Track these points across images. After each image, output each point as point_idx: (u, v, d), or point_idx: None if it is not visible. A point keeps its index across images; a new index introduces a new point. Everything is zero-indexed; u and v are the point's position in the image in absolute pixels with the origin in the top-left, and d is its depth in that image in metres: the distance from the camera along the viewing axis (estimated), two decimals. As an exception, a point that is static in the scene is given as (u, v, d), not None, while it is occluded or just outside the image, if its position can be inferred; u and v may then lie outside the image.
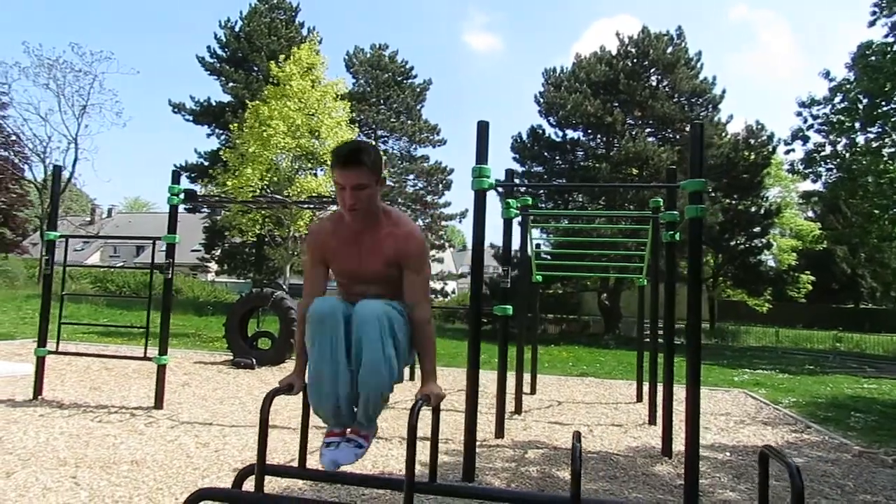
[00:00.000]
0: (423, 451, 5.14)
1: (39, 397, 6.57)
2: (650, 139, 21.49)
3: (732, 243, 23.42)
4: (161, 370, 6.39)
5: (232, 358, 10.38)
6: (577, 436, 1.99)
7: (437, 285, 28.30)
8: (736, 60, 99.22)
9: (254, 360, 10.04)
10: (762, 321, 28.03)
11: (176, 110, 26.00)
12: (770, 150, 22.85)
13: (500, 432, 5.73)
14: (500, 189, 6.54)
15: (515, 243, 7.28)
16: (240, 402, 7.01)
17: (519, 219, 7.22)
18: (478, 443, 5.51)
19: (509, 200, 5.77)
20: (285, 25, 26.67)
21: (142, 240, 7.29)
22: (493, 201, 6.31)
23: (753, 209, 23.08)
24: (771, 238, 26.56)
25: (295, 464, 4.57)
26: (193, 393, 7.47)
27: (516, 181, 5.99)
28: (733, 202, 22.81)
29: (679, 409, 7.60)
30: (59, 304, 7.02)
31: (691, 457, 3.98)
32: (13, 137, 26.45)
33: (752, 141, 22.60)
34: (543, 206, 22.54)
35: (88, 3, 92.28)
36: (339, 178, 2.23)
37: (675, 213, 5.45)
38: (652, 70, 22.21)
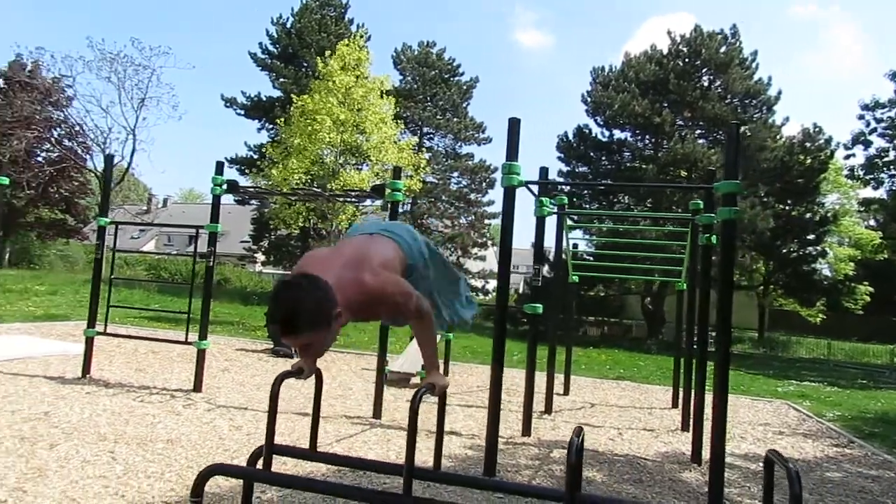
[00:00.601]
0: (448, 444, 5.19)
1: (87, 376, 6.89)
2: (700, 141, 20.97)
3: (784, 251, 22.64)
4: (200, 354, 6.61)
5: (272, 346, 10.65)
6: (578, 431, 1.99)
7: (478, 283, 28.30)
8: (794, 60, 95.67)
9: (294, 350, 10.27)
10: (816, 332, 27.02)
11: (228, 104, 26.76)
12: (828, 154, 22.01)
13: (527, 430, 5.72)
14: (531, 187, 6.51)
15: (551, 242, 7.26)
16: (275, 390, 7.18)
17: (556, 218, 7.20)
18: (504, 440, 5.53)
19: (543, 199, 5.74)
20: (335, 22, 27.09)
21: (187, 228, 7.54)
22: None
23: (808, 215, 22.26)
24: (826, 246, 25.56)
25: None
26: (232, 378, 7.70)
27: (552, 179, 5.96)
28: (786, 208, 22.05)
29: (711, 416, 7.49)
30: (108, 288, 7.34)
31: (716, 464, 3.90)
32: (76, 128, 27.70)
33: (809, 144, 21.79)
34: (588, 207, 22.28)
35: (149, 0, 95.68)
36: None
37: (712, 215, 5.32)
38: (704, 70, 21.66)
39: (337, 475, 4.01)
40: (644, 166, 20.85)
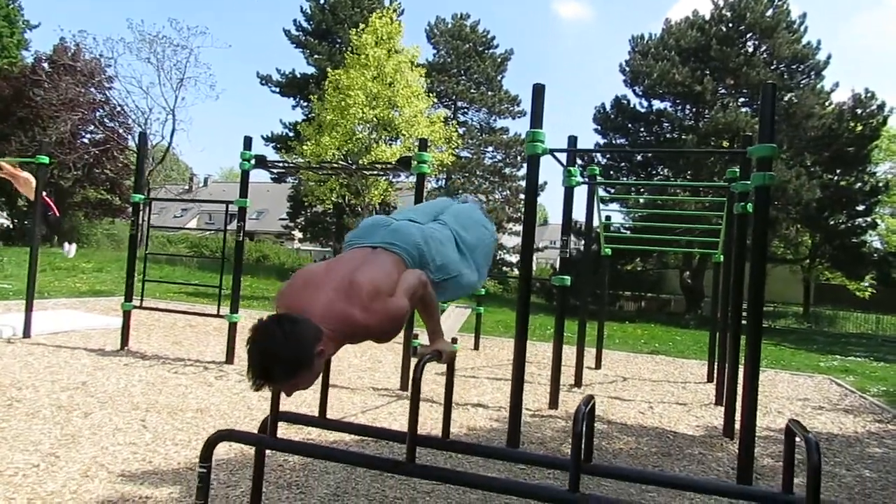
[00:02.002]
0: (474, 416, 5.18)
1: (126, 348, 7.10)
2: (743, 109, 20.20)
3: (832, 222, 21.77)
4: (232, 328, 6.73)
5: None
6: (587, 399, 1.92)
7: (513, 258, 28.13)
8: (845, 22, 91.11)
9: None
10: (864, 307, 26.06)
11: (263, 82, 26.95)
12: (880, 121, 20.94)
13: (553, 403, 5.67)
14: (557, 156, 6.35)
15: (581, 214, 7.12)
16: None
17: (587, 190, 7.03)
18: (531, 412, 5.50)
19: (571, 168, 5.60)
20: (368, -4, 26.87)
21: (218, 203, 7.65)
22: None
23: (858, 185, 21.31)
24: (877, 217, 24.51)
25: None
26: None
27: (579, 148, 5.80)
28: (835, 178, 21.15)
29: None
30: (143, 264, 7.51)
31: (747, 437, 3.78)
32: (118, 109, 28.34)
33: (860, 111, 20.77)
34: (625, 178, 21.82)
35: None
36: None
37: (747, 182, 5.10)
38: (748, 35, 20.78)
39: (359, 445, 4.04)
40: (684, 137, 20.25)
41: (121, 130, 27.75)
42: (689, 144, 19.33)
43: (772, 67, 20.41)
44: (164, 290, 13.97)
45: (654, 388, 7.21)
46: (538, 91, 4.31)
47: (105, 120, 28.75)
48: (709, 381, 7.68)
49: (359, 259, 2.18)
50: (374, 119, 15.59)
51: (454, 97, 27.21)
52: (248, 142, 6.67)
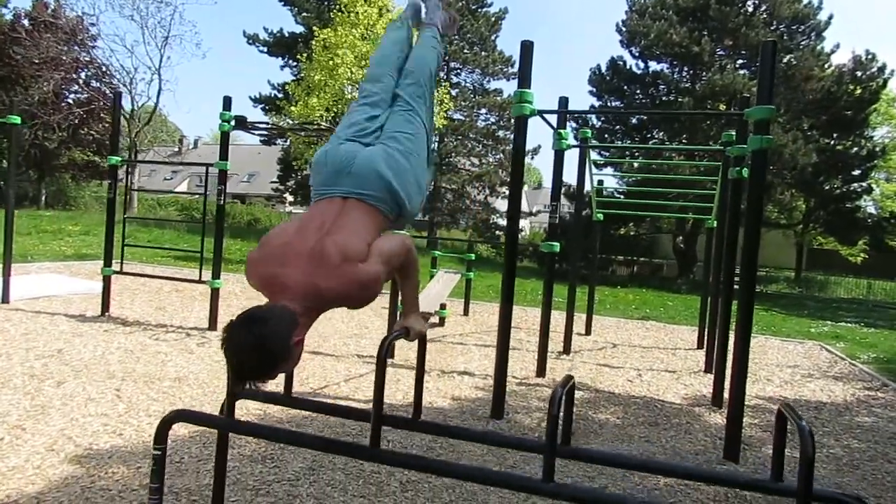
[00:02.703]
0: (460, 385, 5.08)
1: (107, 314, 6.95)
2: (741, 71, 19.80)
3: (827, 187, 21.61)
4: (214, 293, 6.59)
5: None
6: (565, 381, 1.78)
7: (506, 222, 27.95)
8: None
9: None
10: (857, 272, 26.12)
11: (250, 42, 26.24)
12: (880, 83, 20.60)
13: (541, 371, 5.58)
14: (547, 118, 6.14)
15: (574, 178, 6.93)
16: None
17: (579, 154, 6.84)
18: (517, 381, 5.42)
19: (561, 132, 5.40)
20: (359, -48, 25.99)
21: (198, 166, 7.40)
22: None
23: (854, 150, 21.09)
24: (873, 182, 24.38)
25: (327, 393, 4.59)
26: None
27: (569, 109, 5.58)
28: (831, 142, 20.91)
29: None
30: (123, 227, 7.31)
31: (735, 407, 3.70)
32: (103, 69, 27.62)
33: (860, 73, 20.41)
34: (620, 142, 21.53)
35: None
36: None
37: (744, 146, 4.93)
38: (748, -7, 20.24)
39: (331, 422, 3.90)
40: (680, 99, 19.87)
41: (106, 90, 27.07)
42: (685, 107, 18.99)
43: (771, 28, 19.94)
44: (151, 254, 13.77)
45: (643, 355, 7.15)
46: (526, 49, 4.09)
47: (91, 81, 28.07)
48: (699, 348, 7.62)
49: (330, 218, 2.05)
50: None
51: (446, 58, 26.58)
52: (227, 102, 6.41)
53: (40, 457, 3.08)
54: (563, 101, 5.35)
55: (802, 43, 20.22)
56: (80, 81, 27.53)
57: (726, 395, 4.96)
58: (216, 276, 6.57)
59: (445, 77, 26.88)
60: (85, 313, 7.00)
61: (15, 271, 8.83)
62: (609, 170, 19.74)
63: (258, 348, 1.73)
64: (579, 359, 6.65)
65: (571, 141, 5.66)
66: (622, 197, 14.90)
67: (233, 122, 6.40)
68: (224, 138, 6.51)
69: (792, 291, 21.31)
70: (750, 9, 20.27)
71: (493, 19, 27.56)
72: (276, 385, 4.51)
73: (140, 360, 5.14)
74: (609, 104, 22.22)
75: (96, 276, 10.00)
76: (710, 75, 19.06)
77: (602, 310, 11.24)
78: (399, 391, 4.84)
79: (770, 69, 3.59)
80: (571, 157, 8.90)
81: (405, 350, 6.37)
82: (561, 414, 1.70)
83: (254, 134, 7.25)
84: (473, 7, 27.27)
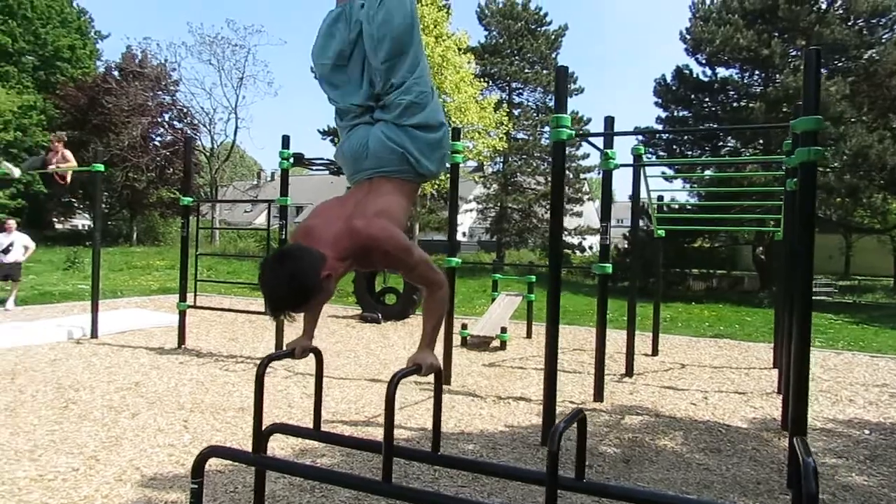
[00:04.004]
0: (514, 411, 5.05)
1: (182, 346, 7.37)
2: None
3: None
4: (280, 324, 6.85)
5: (360, 312, 10.92)
6: (575, 413, 1.77)
7: (573, 240, 27.56)
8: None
9: (379, 315, 10.47)
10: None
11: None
12: (976, 73, 19.07)
13: (598, 395, 5.47)
14: (588, 138, 6.08)
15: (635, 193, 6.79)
16: (354, 356, 7.35)
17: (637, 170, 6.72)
18: (575, 405, 5.33)
19: (608, 152, 5.34)
20: (418, -17, 26.73)
21: (262, 202, 7.80)
22: (624, 148, 5.84)
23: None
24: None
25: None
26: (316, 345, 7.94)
27: (614, 131, 5.49)
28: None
29: (822, 376, 6.82)
30: (195, 263, 7.76)
31: (797, 430, 3.49)
32: (185, 111, 29.51)
33: (952, 64, 18.97)
34: (690, 153, 20.91)
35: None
36: None
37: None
38: (821, -10, 19.32)
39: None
40: (751, 105, 19.10)
41: (188, 131, 28.87)
42: (757, 112, 18.22)
43: (848, 24, 18.93)
44: (227, 288, 14.46)
45: (712, 376, 6.86)
46: (561, 74, 4.10)
47: (174, 122, 30.03)
48: (774, 367, 7.25)
49: (363, 192, 2.26)
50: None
51: (508, 78, 26.74)
52: (285, 140, 6.73)
53: (109, 486, 3.31)
54: (609, 122, 5.30)
55: (884, 37, 19.05)
56: (165, 124, 29.49)
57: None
58: (280, 307, 6.83)
59: (507, 97, 27.02)
60: (164, 346, 7.45)
61: (105, 307, 9.54)
62: (679, 182, 19.17)
63: (290, 280, 1.90)
64: (642, 381, 6.46)
65: (619, 161, 5.58)
66: (690, 210, 14.44)
67: (291, 160, 6.71)
68: (283, 175, 6.83)
69: (891, 301, 19.82)
70: (823, 6, 19.33)
71: (552, 37, 27.54)
72: (362, 407, 4.60)
73: (209, 390, 5.42)
74: (676, 114, 21.65)
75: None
76: (783, 78, 18.25)
77: (674, 328, 10.88)
78: (452, 418, 4.87)
79: (815, 78, 3.46)
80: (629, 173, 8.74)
81: (462, 375, 6.41)
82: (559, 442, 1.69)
83: (311, 169, 7.55)
84: (533, 27, 27.36)
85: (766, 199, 14.11)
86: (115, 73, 28.65)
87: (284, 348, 2.35)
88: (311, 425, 2.42)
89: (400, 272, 2.25)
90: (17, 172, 9.54)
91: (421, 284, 2.27)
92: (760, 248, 20.90)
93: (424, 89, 2.29)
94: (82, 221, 37.93)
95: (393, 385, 1.86)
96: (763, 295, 18.74)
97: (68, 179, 9.02)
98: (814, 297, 5.98)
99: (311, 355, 2.48)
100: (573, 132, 4.11)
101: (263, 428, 2.29)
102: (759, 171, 14.64)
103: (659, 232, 8.13)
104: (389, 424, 1.85)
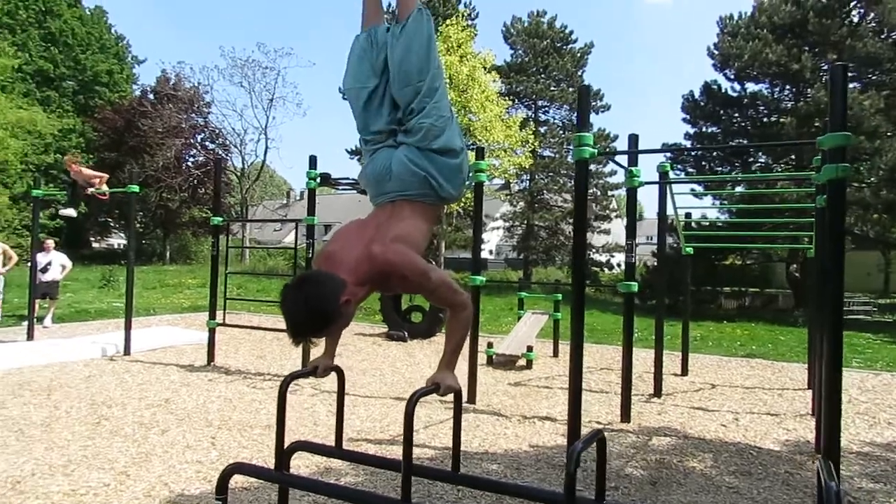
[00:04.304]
0: (540, 431, 5.01)
1: (212, 364, 7.48)
2: (852, 84, 18.52)
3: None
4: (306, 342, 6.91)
5: (387, 331, 10.97)
6: (594, 434, 1.76)
7: (602, 258, 27.32)
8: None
9: (405, 334, 10.50)
10: None
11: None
12: None
13: (625, 416, 5.39)
14: (614, 157, 6.06)
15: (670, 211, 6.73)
16: (380, 374, 7.38)
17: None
18: (602, 426, 5.26)
19: (633, 169, 5.32)
20: (443, 3, 27.07)
21: (290, 222, 7.93)
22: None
23: None
24: None
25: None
26: (342, 363, 7.91)
27: (636, 149, 5.46)
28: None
29: (860, 398, 6.63)
30: (224, 281, 7.89)
31: (829, 453, 3.40)
32: (216, 132, 30.21)
33: None
34: (720, 169, 20.68)
35: (271, 4, 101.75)
36: None
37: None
38: (852, 3, 19.05)
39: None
40: (782, 120, 18.85)
41: (220, 152, 29.54)
42: (788, 127, 17.96)
43: (882, 36, 18.60)
44: (256, 305, 14.64)
45: (744, 397, 6.71)
46: (583, 92, 4.12)
47: (206, 143, 30.76)
48: (809, 388, 7.06)
49: (385, 215, 2.31)
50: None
51: (533, 96, 26.82)
52: (312, 161, 6.85)
53: (138, 502, 3.37)
54: (633, 139, 5.28)
55: (919, 49, 18.65)
56: (198, 145, 30.22)
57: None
58: (307, 325, 6.91)
59: (533, 114, 27.08)
60: (193, 363, 7.57)
61: (139, 324, 9.75)
62: (709, 199, 18.94)
63: (309, 306, 1.93)
64: (671, 401, 6.35)
65: (646, 177, 5.56)
66: (722, 226, 14.22)
67: (318, 179, 6.82)
68: (311, 194, 6.94)
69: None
70: (855, 19, 19.06)
71: (578, 55, 27.59)
72: (387, 426, 4.64)
73: (237, 408, 5.49)
74: (705, 130, 21.45)
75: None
76: (814, 92, 17.97)
77: (704, 347, 10.68)
78: (476, 437, 4.85)
79: (842, 94, 3.41)
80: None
81: (488, 394, 6.38)
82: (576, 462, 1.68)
83: (338, 189, 7.66)
84: (559, 45, 27.45)
85: (799, 215, 13.87)
86: (151, 96, 29.53)
87: (307, 366, 2.38)
88: (331, 441, 2.46)
89: (421, 294, 2.27)
90: (74, 213, 10.11)
91: (443, 306, 2.29)
92: (794, 266, 20.46)
93: (443, 113, 2.33)
94: (118, 240, 38.93)
95: (411, 404, 1.88)
96: (798, 313, 18.29)
97: (106, 191, 9.33)
98: (851, 316, 5.87)
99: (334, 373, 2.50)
100: (596, 151, 4.12)
101: (286, 445, 2.32)
102: (791, 187, 14.36)
103: (687, 249, 8.03)
104: (408, 443, 1.86)
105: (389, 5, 2.78)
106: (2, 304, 10.52)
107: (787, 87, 20.09)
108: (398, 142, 2.37)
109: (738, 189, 19.15)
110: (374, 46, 2.40)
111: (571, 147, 22.10)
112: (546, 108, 27.63)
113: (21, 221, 18.21)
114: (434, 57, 2.35)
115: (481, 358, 7.44)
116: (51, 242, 10.96)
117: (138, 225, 27.42)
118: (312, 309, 1.93)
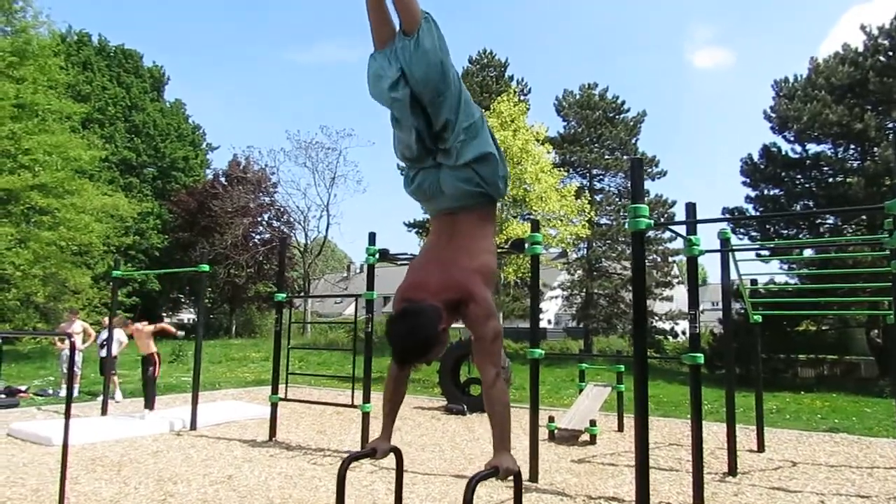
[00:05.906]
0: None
1: (273, 439, 7.55)
2: (921, 141, 17.88)
3: None
4: (364, 417, 6.93)
5: (446, 404, 10.84)
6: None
7: (665, 325, 26.46)
8: None
9: (465, 407, 10.35)
10: None
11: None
12: None
13: (698, 497, 5.07)
14: (670, 227, 5.99)
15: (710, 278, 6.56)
16: (439, 450, 7.26)
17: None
18: (672, 508, 4.98)
19: (692, 238, 5.25)
20: (495, 81, 28.03)
21: (350, 297, 8.13)
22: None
23: None
24: None
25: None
26: (401, 439, 7.92)
27: (694, 219, 5.39)
28: None
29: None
30: (287, 355, 8.06)
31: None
32: (282, 210, 31.57)
33: None
34: (785, 232, 20.01)
35: (333, 89, 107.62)
36: None
37: (902, 237, 4.44)
38: (914, 61, 18.63)
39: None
40: (848, 180, 18.25)
41: (285, 229, 30.75)
42: (855, 187, 17.36)
43: (949, 92, 18.03)
44: (317, 379, 14.80)
45: (829, 476, 6.24)
46: (636, 165, 4.16)
47: (272, 221, 32.14)
48: (902, 467, 6.52)
49: (450, 229, 2.51)
50: (507, 198, 15.86)
51: (588, 165, 26.99)
52: (371, 238, 7.07)
53: (201, 582, 3.38)
54: (690, 208, 5.23)
55: None
56: (264, 223, 31.60)
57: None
58: (366, 399, 6.94)
59: (588, 183, 27.18)
60: (256, 438, 7.66)
61: (204, 398, 9.99)
62: (776, 264, 18.27)
63: (414, 335, 2.16)
64: (747, 481, 5.96)
65: (707, 244, 5.46)
66: (791, 291, 13.63)
67: (377, 255, 7.01)
68: (370, 270, 7.12)
69: None
70: (918, 76, 18.57)
71: (631, 124, 27.79)
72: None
73: (297, 485, 5.50)
74: (767, 193, 20.95)
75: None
76: (881, 151, 17.40)
77: (780, 420, 10.06)
78: (539, 519, 4.67)
79: (906, 158, 3.32)
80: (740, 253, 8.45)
81: (550, 472, 6.17)
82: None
83: (396, 264, 7.84)
84: (611, 115, 27.77)
85: (875, 278, 13.16)
86: (222, 178, 31.32)
87: (366, 448, 2.40)
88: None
89: (471, 332, 2.36)
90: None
91: (480, 356, 2.30)
92: (875, 331, 19.24)
93: (472, 120, 2.44)
94: (188, 315, 40.48)
95: (470, 490, 1.86)
96: (883, 383, 17.04)
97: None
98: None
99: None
100: (652, 221, 4.11)
101: (346, 527, 2.31)
102: (864, 250, 13.72)
103: (755, 317, 7.72)
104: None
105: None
106: (80, 380, 10.99)
107: (852, 146, 19.55)
108: (438, 162, 2.52)
109: (807, 252, 18.42)
110: (390, 62, 2.39)
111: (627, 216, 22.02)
112: (601, 177, 27.71)
113: (101, 300, 19.25)
114: (450, 65, 2.39)
115: (542, 433, 7.24)
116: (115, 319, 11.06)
117: (207, 301, 28.49)
118: (417, 337, 2.15)
